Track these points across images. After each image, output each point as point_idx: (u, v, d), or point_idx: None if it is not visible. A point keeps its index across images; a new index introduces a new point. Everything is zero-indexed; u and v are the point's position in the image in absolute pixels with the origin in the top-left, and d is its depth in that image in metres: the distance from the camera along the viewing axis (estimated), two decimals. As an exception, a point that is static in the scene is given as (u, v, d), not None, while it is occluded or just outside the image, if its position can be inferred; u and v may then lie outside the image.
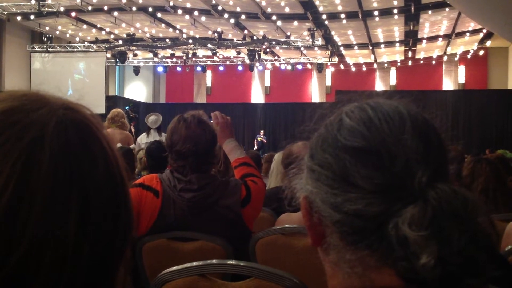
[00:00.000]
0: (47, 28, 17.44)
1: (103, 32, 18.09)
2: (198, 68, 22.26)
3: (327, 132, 0.76)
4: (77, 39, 18.77)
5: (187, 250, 2.31)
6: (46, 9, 14.51)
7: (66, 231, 0.55)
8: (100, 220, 0.58)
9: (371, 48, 19.12)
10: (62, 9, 14.62)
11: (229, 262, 1.54)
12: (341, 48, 19.30)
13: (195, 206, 2.31)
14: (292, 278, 1.41)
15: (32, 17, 15.69)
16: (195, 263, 1.54)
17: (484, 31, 16.46)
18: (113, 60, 19.39)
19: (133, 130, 8.72)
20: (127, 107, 17.72)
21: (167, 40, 18.90)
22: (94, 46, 18.48)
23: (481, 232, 0.64)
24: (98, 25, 17.34)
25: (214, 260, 1.57)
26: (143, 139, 7.40)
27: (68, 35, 18.45)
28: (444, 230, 0.63)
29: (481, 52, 20.17)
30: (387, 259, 0.67)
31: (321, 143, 0.75)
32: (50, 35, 17.82)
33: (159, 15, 15.87)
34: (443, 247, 0.62)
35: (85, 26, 17.24)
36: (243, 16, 15.69)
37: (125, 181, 0.65)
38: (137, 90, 23.62)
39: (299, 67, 21.39)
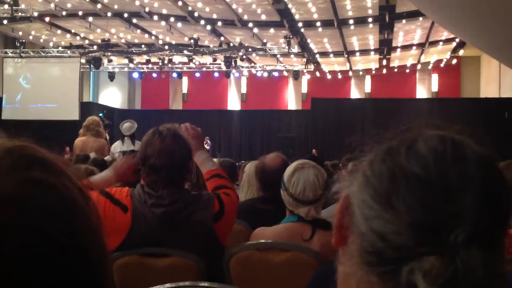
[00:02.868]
0: (20, 33, 17.17)
1: (78, 38, 17.88)
2: (174, 75, 22.16)
3: (396, 146, 0.71)
4: (51, 44, 18.51)
5: (159, 267, 2.26)
6: (20, 13, 14.27)
7: None
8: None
9: (346, 56, 19.29)
10: (35, 14, 14.40)
11: (202, 284, 1.51)
12: (317, 55, 19.43)
13: (166, 221, 2.26)
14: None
15: (5, 21, 15.43)
16: (167, 286, 1.50)
17: (457, 40, 16.75)
18: (87, 66, 19.17)
19: (107, 137, 8.54)
20: (101, 114, 17.51)
21: (143, 46, 18.77)
22: (69, 52, 18.26)
23: None
24: (73, 30, 17.14)
25: (186, 282, 1.53)
26: (117, 148, 7.26)
27: (42, 40, 18.19)
28: None
29: (454, 61, 20.51)
30: None
31: (384, 154, 0.71)
32: (24, 40, 17.54)
33: (134, 20, 15.75)
34: None
35: (59, 31, 17.02)
36: (219, 23, 15.68)
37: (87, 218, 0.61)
38: (112, 96, 23.39)
39: (276, 74, 21.44)
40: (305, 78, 22.57)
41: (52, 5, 14.23)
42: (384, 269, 0.64)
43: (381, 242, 0.64)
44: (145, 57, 19.65)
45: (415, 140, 0.70)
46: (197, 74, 22.16)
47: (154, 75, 22.15)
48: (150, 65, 20.93)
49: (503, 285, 0.62)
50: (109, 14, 14.92)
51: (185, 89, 23.92)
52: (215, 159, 2.82)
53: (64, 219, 0.58)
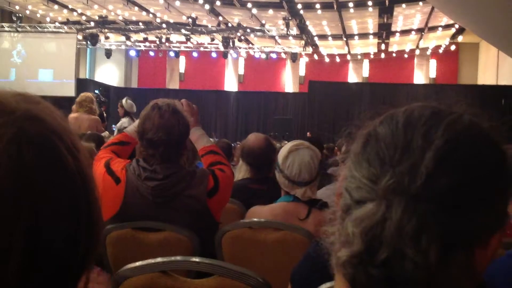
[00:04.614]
0: (17, 7, 16.98)
1: (75, 13, 17.70)
2: (172, 54, 22.02)
3: (382, 117, 0.74)
4: (48, 19, 18.33)
5: (152, 241, 2.28)
6: (16, -13, 14.13)
7: (8, 258, 0.51)
8: (52, 244, 0.54)
9: (345, 39, 19.19)
10: (32, -12, 14.26)
11: (193, 259, 1.52)
12: (316, 38, 19.32)
13: (159, 195, 2.27)
14: (256, 276, 1.39)
15: (1, -5, 15.28)
16: (158, 259, 1.51)
17: (456, 26, 16.68)
18: (84, 42, 19.02)
19: (104, 115, 8.50)
20: (97, 91, 17.45)
21: (140, 23, 18.61)
22: (65, 27, 18.09)
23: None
24: (70, 6, 16.95)
25: (178, 257, 1.54)
26: (125, 124, 7.14)
27: (38, 15, 18.00)
28: (377, 238, 0.62)
29: (453, 47, 20.44)
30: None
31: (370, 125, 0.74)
32: (20, 15, 17.36)
33: (132, -2, 15.62)
34: (366, 253, 0.62)
35: (56, 7, 16.83)
36: (218, 3, 15.54)
37: (90, 198, 0.61)
38: (109, 74, 23.25)
39: (273, 56, 21.34)
40: (303, 61, 22.48)
41: (50, -20, 14.07)
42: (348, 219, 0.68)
43: (349, 199, 0.68)
44: (143, 35, 19.50)
45: (400, 110, 0.72)
46: (195, 54, 22.02)
47: (151, 53, 22.01)
48: (147, 43, 20.78)
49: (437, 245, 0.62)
50: (107, -10, 14.78)
51: (182, 69, 23.79)
52: (211, 139, 2.82)
53: (80, 215, 0.58)
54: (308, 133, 16.17)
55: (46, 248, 0.54)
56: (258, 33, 18.09)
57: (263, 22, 17.21)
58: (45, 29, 18.01)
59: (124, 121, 7.46)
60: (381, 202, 0.63)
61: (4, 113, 0.56)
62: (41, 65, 17.46)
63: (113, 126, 7.43)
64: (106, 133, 6.73)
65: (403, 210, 0.62)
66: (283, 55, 22.03)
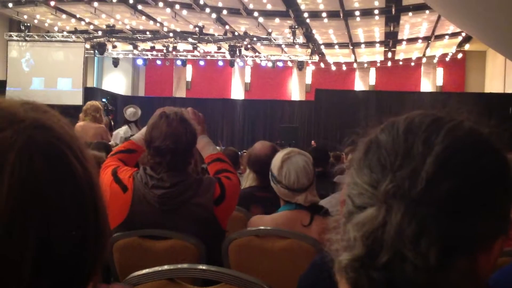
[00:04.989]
0: (25, 16, 17.12)
1: (83, 23, 17.83)
2: (178, 62, 22.09)
3: (384, 125, 0.74)
4: (56, 28, 18.47)
5: (159, 249, 2.28)
6: (25, -3, 14.26)
7: (20, 266, 0.51)
8: (62, 251, 0.55)
9: (351, 47, 19.21)
10: (41, -3, 14.38)
11: (200, 267, 1.52)
12: (322, 46, 19.34)
13: (166, 203, 2.28)
14: (263, 284, 1.39)
15: (10, 4, 15.39)
16: (165, 267, 1.51)
17: (463, 34, 16.65)
18: (92, 51, 19.13)
19: (112, 123, 8.55)
20: (104, 100, 17.53)
21: (147, 32, 18.71)
22: (73, 37, 18.21)
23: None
24: (78, 15, 17.08)
25: (185, 265, 1.54)
26: (126, 133, 7.16)
27: (46, 24, 18.15)
28: (378, 241, 0.62)
29: (460, 55, 20.41)
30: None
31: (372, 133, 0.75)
32: (28, 24, 17.51)
33: (140, 7, 15.69)
34: (367, 257, 0.63)
35: (64, 16, 16.96)
36: (224, 11, 15.61)
37: (98, 205, 0.62)
38: (116, 82, 23.36)
39: (280, 64, 21.38)
40: (310, 69, 22.50)
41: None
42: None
43: (351, 205, 0.68)
44: (150, 44, 19.60)
45: (401, 117, 0.73)
46: (201, 62, 22.10)
47: (158, 62, 22.10)
48: (154, 52, 20.87)
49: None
50: (114, -1, 14.89)
51: (189, 77, 23.87)
52: (217, 148, 2.83)
53: (87, 221, 0.59)
54: (312, 141, 16.14)
55: (56, 255, 0.55)
56: (265, 42, 18.14)
57: (270, 30, 17.26)
58: (53, 38, 18.14)
59: (123, 129, 7.38)
60: (381, 206, 0.64)
61: (14, 122, 0.56)
62: (49, 74, 17.56)
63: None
64: (112, 142, 6.75)
65: (403, 214, 0.62)
66: (290, 64, 22.06)
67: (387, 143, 0.69)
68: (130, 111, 7.50)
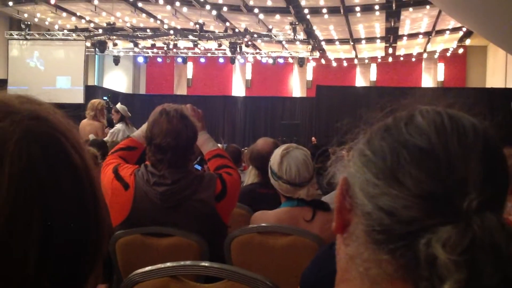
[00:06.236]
0: (25, 15, 17.11)
1: (83, 21, 17.82)
2: (179, 60, 22.09)
3: (393, 123, 0.72)
4: (56, 27, 18.46)
5: (161, 246, 2.29)
6: (25, -5, 14.25)
7: (26, 255, 0.52)
8: (65, 240, 0.55)
9: (352, 43, 19.18)
10: (41, -4, 14.37)
11: (202, 263, 1.52)
12: (323, 43, 19.32)
13: (168, 200, 2.28)
14: (266, 281, 1.39)
15: (10, 3, 15.39)
16: (168, 264, 1.51)
17: (464, 29, 16.62)
18: (92, 49, 19.13)
19: (113, 121, 8.56)
20: (105, 98, 17.54)
21: (148, 30, 18.70)
22: (74, 35, 18.21)
23: None
24: (78, 13, 17.07)
25: (187, 262, 1.54)
26: (126, 131, 7.16)
27: (47, 23, 18.14)
28: (479, 262, 0.59)
29: (461, 50, 20.37)
30: (407, 272, 0.63)
31: (382, 131, 0.71)
32: (29, 22, 17.49)
33: (140, 4, 15.68)
34: (473, 279, 0.58)
35: (64, 14, 16.95)
36: (225, 8, 15.59)
37: (97, 194, 0.62)
38: (117, 80, 23.35)
39: (281, 60, 21.36)
40: (310, 65, 22.48)
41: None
42: (394, 245, 0.64)
43: (389, 219, 0.64)
44: (150, 41, 19.59)
45: (413, 115, 0.71)
46: (202, 60, 22.08)
47: (159, 59, 22.10)
48: (155, 50, 20.86)
49: None
50: (114, -3, 14.88)
51: (189, 74, 23.85)
52: (219, 145, 2.83)
53: (87, 209, 0.59)
54: (313, 138, 16.12)
55: (58, 244, 0.55)
56: (265, 38, 18.12)
57: (270, 27, 17.24)
58: (54, 37, 18.13)
59: (118, 128, 7.35)
60: (458, 222, 0.61)
61: (10, 113, 0.57)
62: (50, 73, 17.56)
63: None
64: (108, 139, 6.76)
65: (483, 227, 0.61)
66: (290, 60, 22.04)
67: (421, 147, 0.66)
68: (122, 107, 7.53)
